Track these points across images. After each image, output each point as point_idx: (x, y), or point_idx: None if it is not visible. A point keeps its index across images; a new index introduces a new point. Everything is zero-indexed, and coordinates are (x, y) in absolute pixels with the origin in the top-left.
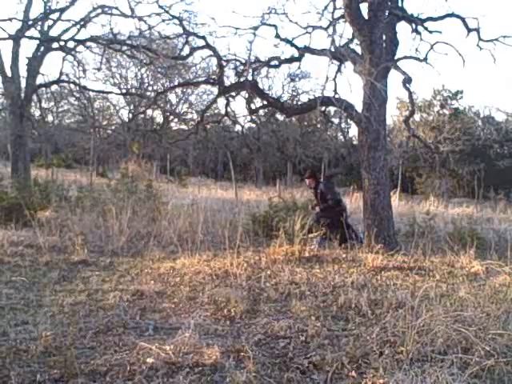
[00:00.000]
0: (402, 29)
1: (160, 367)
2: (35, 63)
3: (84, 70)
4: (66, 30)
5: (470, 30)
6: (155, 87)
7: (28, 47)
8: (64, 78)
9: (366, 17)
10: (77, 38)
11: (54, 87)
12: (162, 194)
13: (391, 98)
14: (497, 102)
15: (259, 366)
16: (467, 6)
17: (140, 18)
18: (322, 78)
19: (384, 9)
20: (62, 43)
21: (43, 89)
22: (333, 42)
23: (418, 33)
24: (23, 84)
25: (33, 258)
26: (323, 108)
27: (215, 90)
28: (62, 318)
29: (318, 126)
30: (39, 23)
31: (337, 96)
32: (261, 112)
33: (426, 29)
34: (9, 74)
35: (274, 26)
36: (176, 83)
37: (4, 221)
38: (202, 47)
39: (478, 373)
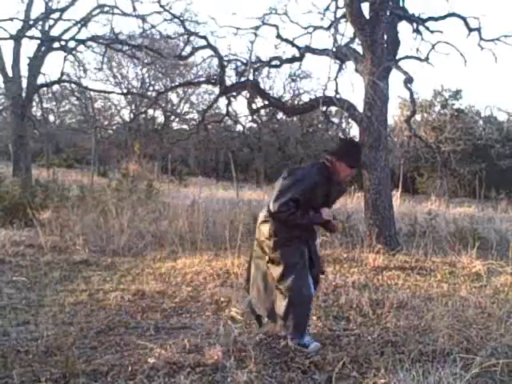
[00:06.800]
0: (404, 28)
1: (161, 367)
2: (36, 63)
3: (85, 70)
4: (67, 30)
5: (471, 30)
6: (156, 87)
7: (29, 47)
8: (65, 77)
9: (368, 16)
10: (78, 37)
11: (56, 87)
12: (163, 193)
13: (392, 98)
14: (498, 102)
15: (260, 366)
16: (468, 6)
17: (141, 17)
18: (323, 78)
19: (385, 8)
20: (63, 43)
21: (44, 89)
22: (334, 41)
23: (419, 33)
24: (24, 84)
25: (34, 258)
26: (324, 108)
27: (216, 89)
28: (63, 318)
29: (319, 126)
30: (40, 23)
31: (338, 96)
32: (262, 112)
33: (427, 29)
34: (10, 73)
35: (275, 26)
36: (177, 83)
37: (5, 220)
38: (204, 47)
39: (480, 373)
